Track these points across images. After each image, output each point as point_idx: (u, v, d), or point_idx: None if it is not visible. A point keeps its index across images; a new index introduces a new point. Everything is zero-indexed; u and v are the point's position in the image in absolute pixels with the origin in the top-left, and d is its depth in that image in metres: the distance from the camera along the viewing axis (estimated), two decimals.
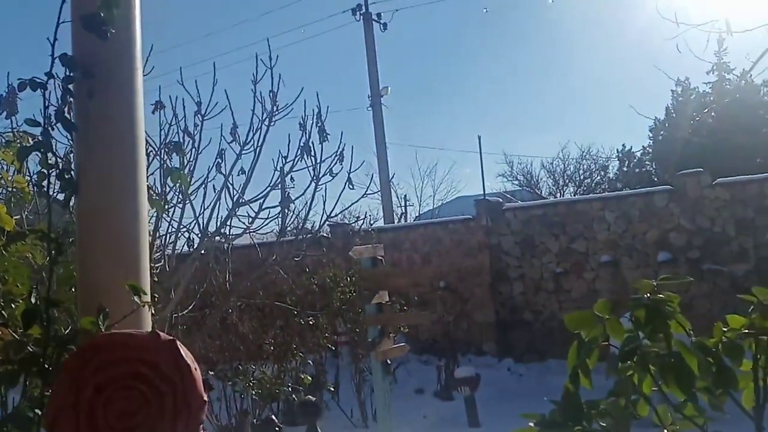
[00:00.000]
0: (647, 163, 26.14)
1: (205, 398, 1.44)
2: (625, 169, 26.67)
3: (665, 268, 11.35)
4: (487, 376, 9.90)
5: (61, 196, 1.77)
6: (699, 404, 1.60)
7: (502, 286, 12.60)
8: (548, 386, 9.35)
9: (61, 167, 1.69)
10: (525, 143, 48.87)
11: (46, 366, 1.58)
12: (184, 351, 1.44)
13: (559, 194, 27.54)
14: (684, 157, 18.45)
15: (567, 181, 28.56)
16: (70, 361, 1.47)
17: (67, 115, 1.73)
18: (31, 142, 2.28)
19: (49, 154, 1.69)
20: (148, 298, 1.63)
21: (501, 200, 13.86)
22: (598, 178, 28.27)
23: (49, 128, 1.77)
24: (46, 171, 1.68)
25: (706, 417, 1.61)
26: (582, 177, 28.36)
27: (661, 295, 1.59)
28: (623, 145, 26.98)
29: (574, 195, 26.27)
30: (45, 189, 1.70)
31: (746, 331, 1.68)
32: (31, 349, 1.60)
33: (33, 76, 1.68)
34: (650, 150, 25.69)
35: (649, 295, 1.59)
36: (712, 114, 20.51)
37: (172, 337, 1.45)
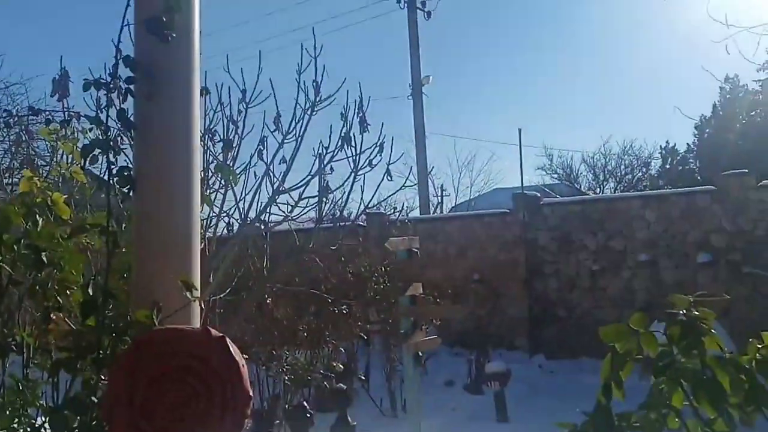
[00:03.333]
0: (691, 161, 25.72)
1: (251, 394, 1.51)
2: (667, 166, 26.27)
3: (705, 270, 11.19)
4: (517, 372, 9.90)
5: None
6: (730, 420, 1.62)
7: (537, 281, 12.56)
8: (580, 385, 9.33)
9: (117, 164, 1.77)
10: (565, 136, 48.35)
11: (101, 355, 1.66)
12: (233, 348, 1.52)
13: (599, 189, 27.24)
14: (729, 157, 18.11)
15: (608, 176, 28.22)
16: (126, 354, 1.55)
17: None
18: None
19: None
20: (198, 293, 1.71)
21: (538, 195, 13.77)
22: (640, 174, 27.89)
23: (107, 122, 1.86)
24: (107, 167, 1.77)
25: None
26: (623, 173, 27.99)
27: (696, 312, 1.62)
28: (667, 141, 26.61)
29: (615, 191, 25.96)
30: (105, 184, 1.78)
31: None
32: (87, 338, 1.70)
33: (96, 77, 1.76)
34: (695, 148, 25.25)
35: (684, 311, 1.61)
36: (761, 114, 20.04)
37: (222, 335, 1.53)
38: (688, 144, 26.02)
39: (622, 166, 28.09)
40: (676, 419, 1.63)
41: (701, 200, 11.51)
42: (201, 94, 5.37)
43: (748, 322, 10.54)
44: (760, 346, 1.72)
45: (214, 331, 1.53)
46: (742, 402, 1.64)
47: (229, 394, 1.47)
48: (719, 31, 4.71)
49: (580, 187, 27.67)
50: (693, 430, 1.65)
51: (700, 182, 18.06)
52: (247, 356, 7.09)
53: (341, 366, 8.25)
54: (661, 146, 26.82)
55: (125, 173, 1.75)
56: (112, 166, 1.75)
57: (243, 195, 5.29)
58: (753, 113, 18.84)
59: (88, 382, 1.64)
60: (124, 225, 2.53)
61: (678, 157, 26.43)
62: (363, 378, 9.25)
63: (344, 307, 9.04)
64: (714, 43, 4.75)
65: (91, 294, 1.71)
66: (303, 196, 5.44)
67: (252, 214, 5.41)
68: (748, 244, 11.06)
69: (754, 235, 11.06)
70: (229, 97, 5.22)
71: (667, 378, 1.58)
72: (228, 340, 1.52)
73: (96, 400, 1.60)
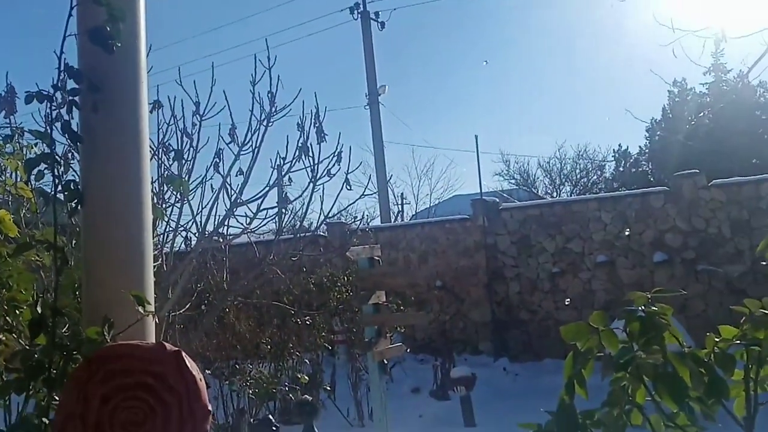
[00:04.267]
0: (644, 163, 26.25)
1: (210, 408, 1.47)
2: (621, 169, 26.77)
3: (661, 268, 11.41)
4: (483, 376, 9.93)
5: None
6: (692, 413, 1.64)
7: (499, 285, 12.65)
8: (544, 386, 9.41)
9: (64, 179, 1.71)
10: (522, 142, 48.91)
11: (52, 374, 1.60)
12: (189, 362, 1.47)
13: (555, 193, 27.60)
14: (680, 158, 18.52)
15: (564, 180, 28.63)
16: (78, 371, 1.50)
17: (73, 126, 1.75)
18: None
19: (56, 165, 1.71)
20: (152, 307, 1.66)
21: (497, 200, 13.89)
22: (595, 177, 28.35)
23: (52, 135, 1.80)
24: (53, 180, 1.71)
25: (698, 426, 1.65)
26: (579, 176, 28.43)
27: (654, 308, 1.63)
28: (619, 145, 27.11)
29: (571, 194, 26.34)
30: (51, 198, 1.72)
31: (737, 341, 1.73)
32: (36, 358, 1.63)
33: (40, 89, 1.70)
34: (647, 150, 25.79)
35: (643, 307, 1.62)
36: (709, 115, 20.57)
37: (177, 349, 1.48)
38: (640, 147, 26.56)
39: (578, 170, 28.55)
40: (639, 415, 1.65)
41: (655, 201, 11.74)
42: (153, 108, 5.27)
43: (704, 318, 10.78)
44: (717, 339, 1.74)
45: (169, 346, 1.48)
46: (703, 395, 1.65)
47: (187, 409, 1.43)
48: (667, 34, 4.81)
49: (538, 191, 27.99)
50: (656, 425, 1.66)
51: (653, 183, 18.45)
52: (209, 371, 6.99)
53: (306, 377, 8.18)
54: (614, 150, 27.34)
55: (72, 187, 1.69)
56: (58, 180, 1.69)
57: (200, 209, 5.21)
58: (701, 114, 19.31)
59: (40, 403, 1.57)
60: (75, 241, 2.46)
61: (631, 160, 26.94)
62: (329, 388, 9.17)
63: (307, 318, 8.99)
64: (662, 46, 4.84)
65: (40, 312, 1.65)
66: (261, 208, 5.38)
67: (210, 228, 5.32)
68: (702, 242, 11.31)
69: (707, 233, 11.31)
70: (182, 110, 5.14)
71: (629, 374, 1.59)
72: (184, 354, 1.48)
73: (48, 422, 1.54)
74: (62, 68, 1.69)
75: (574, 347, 1.64)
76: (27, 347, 1.87)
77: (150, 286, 1.73)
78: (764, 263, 1.86)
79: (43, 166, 1.77)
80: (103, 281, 1.68)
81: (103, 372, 1.44)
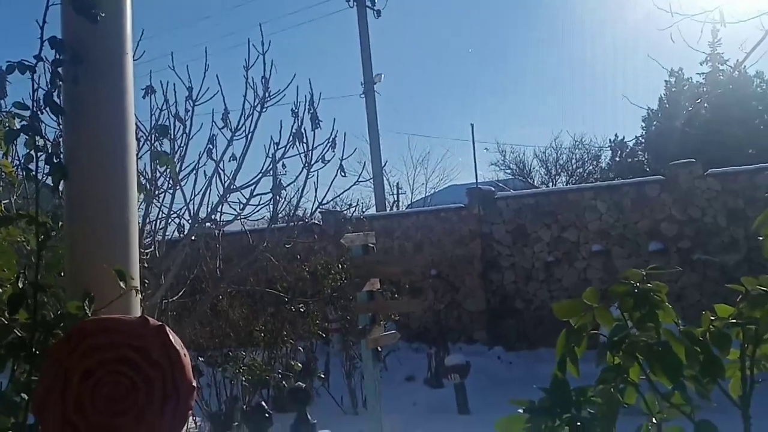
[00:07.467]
0: (640, 153, 26.21)
1: (194, 384, 1.44)
2: (617, 159, 26.74)
3: (656, 257, 11.39)
4: (477, 364, 9.93)
5: (49, 180, 1.75)
6: (686, 393, 1.61)
7: (494, 274, 12.63)
8: (538, 374, 9.41)
9: (50, 151, 1.67)
10: (517, 132, 48.79)
11: (34, 351, 1.57)
12: (173, 336, 1.44)
13: (551, 183, 27.56)
14: (676, 148, 18.51)
15: (559, 170, 28.55)
16: (57, 345, 1.46)
17: (57, 99, 1.71)
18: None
19: (38, 138, 1.67)
20: (136, 283, 1.63)
21: (493, 189, 13.86)
22: (591, 167, 28.28)
23: (38, 112, 1.75)
24: (34, 155, 1.67)
25: (693, 405, 1.62)
26: (574, 166, 28.37)
27: (649, 285, 1.60)
28: (615, 135, 27.06)
29: (567, 184, 26.29)
30: (33, 173, 1.68)
31: (733, 320, 1.70)
32: (18, 334, 1.60)
33: (22, 59, 1.66)
34: (643, 140, 25.76)
35: (638, 284, 1.59)
36: (706, 105, 20.55)
37: (161, 323, 1.45)
38: (636, 137, 26.51)
39: (574, 160, 28.49)
40: (633, 393, 1.62)
41: (651, 190, 11.72)
42: (146, 93, 5.18)
43: (699, 308, 10.71)
44: (713, 318, 1.71)
45: (152, 320, 1.45)
46: (698, 374, 1.63)
47: (171, 384, 1.39)
48: (666, 21, 4.75)
49: (533, 181, 27.94)
50: (650, 404, 1.63)
51: (650, 173, 18.40)
52: (203, 359, 6.93)
53: (300, 365, 8.16)
54: (610, 140, 27.29)
55: (55, 159, 1.65)
56: (41, 153, 1.65)
57: (193, 195, 5.16)
58: (698, 101, 19.30)
59: (19, 379, 1.54)
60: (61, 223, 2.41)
61: (627, 150, 26.89)
62: (322, 376, 9.16)
63: (301, 305, 8.96)
64: (660, 31, 4.79)
65: (21, 288, 1.61)
66: (255, 194, 5.33)
67: (203, 214, 5.27)
68: (698, 231, 11.30)
69: (703, 222, 11.30)
70: (175, 95, 5.08)
71: (623, 352, 1.56)
72: (167, 328, 1.44)
73: (28, 398, 1.51)
74: (44, 38, 1.65)
75: (567, 324, 1.61)
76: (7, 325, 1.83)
77: (135, 262, 1.69)
78: (760, 250, 1.82)
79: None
80: (86, 257, 1.65)
81: (83, 346, 1.41)
